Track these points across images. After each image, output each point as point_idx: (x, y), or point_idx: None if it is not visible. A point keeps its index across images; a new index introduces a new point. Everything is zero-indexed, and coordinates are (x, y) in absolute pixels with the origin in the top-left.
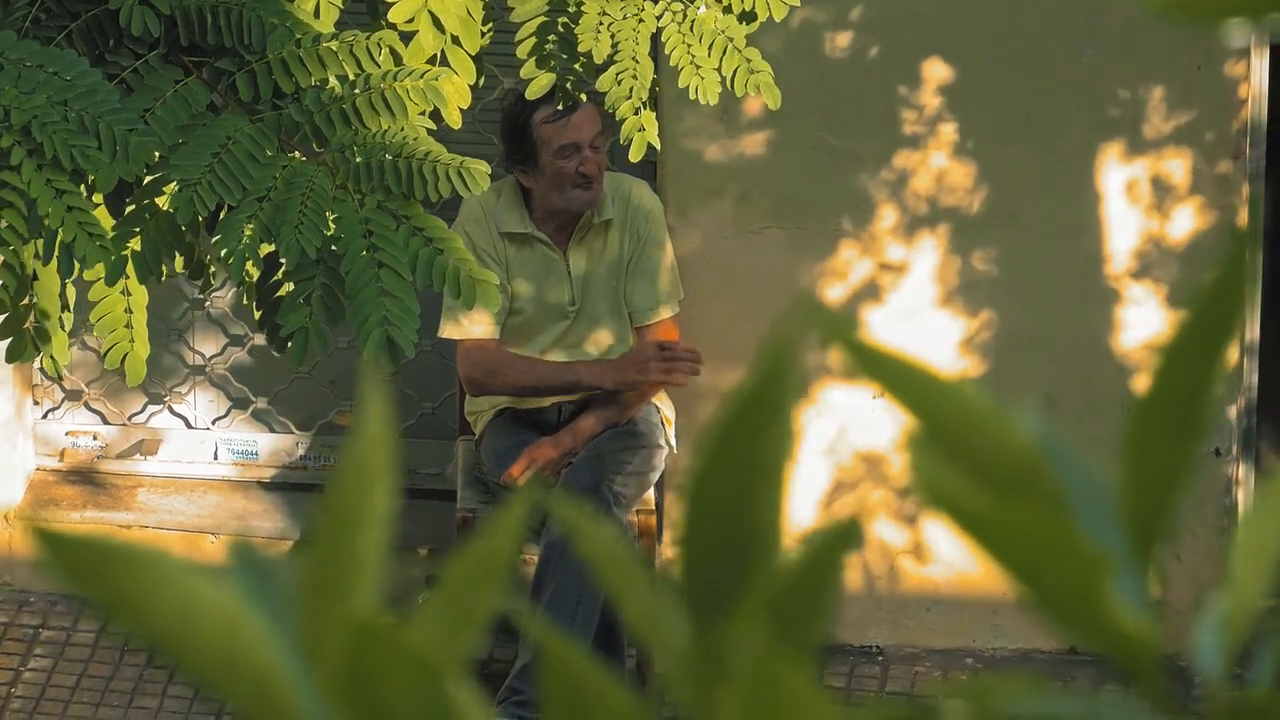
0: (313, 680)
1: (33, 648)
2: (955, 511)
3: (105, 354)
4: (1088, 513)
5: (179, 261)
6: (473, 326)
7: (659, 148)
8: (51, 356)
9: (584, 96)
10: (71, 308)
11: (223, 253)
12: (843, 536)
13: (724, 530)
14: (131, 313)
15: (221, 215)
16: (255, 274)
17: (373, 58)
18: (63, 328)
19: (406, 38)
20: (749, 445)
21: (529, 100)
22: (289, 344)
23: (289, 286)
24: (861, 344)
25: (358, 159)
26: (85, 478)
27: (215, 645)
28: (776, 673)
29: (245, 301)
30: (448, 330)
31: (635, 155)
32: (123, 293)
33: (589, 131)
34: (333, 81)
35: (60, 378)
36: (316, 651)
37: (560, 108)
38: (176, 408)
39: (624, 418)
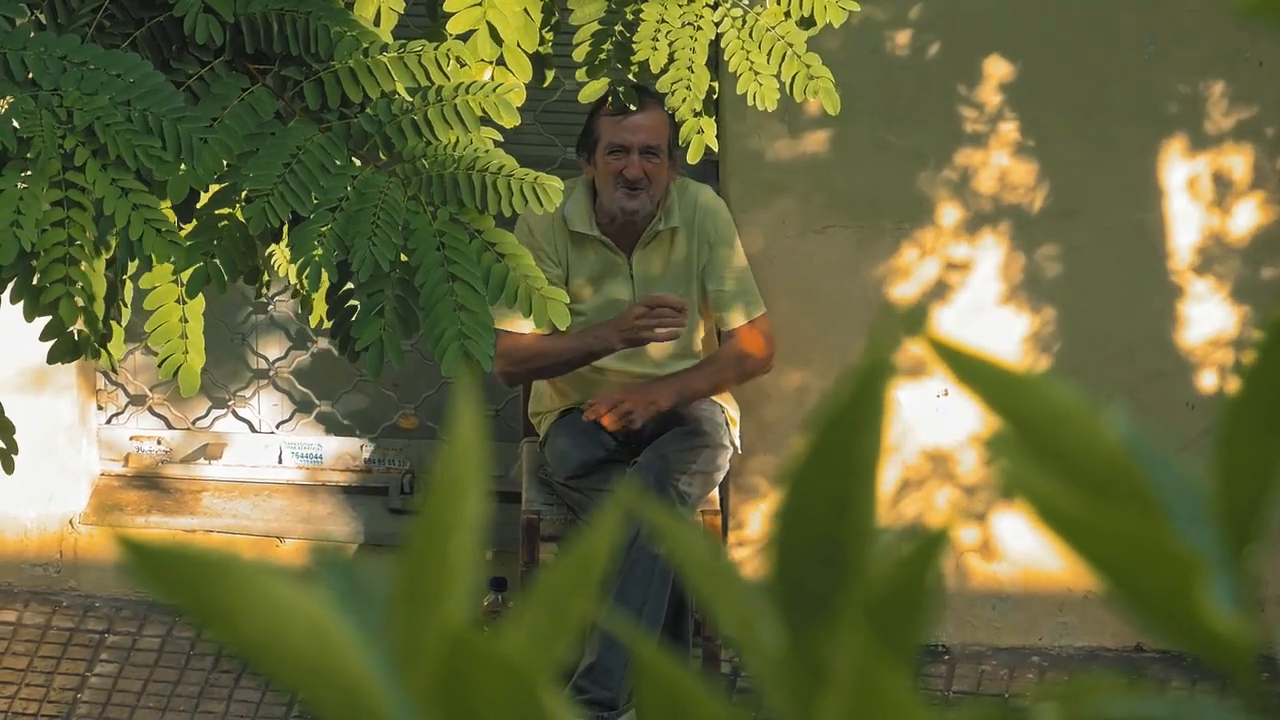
0: (404, 689)
1: (99, 652)
2: (1043, 512)
3: (160, 364)
4: (1180, 513)
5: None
6: (517, 322)
7: (716, 149)
8: (106, 351)
9: (633, 106)
10: (129, 304)
11: (297, 263)
12: (936, 542)
13: (817, 533)
14: (187, 321)
15: (285, 226)
16: (325, 285)
17: (441, 69)
18: (119, 323)
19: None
20: (846, 447)
21: (602, 101)
22: (363, 355)
23: (361, 298)
24: (946, 343)
25: (430, 171)
26: (149, 483)
27: (306, 654)
28: (879, 679)
29: (305, 312)
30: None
31: (693, 157)
32: (178, 301)
33: (642, 136)
34: (401, 92)
35: (114, 370)
36: (408, 660)
37: (632, 107)
38: (240, 412)
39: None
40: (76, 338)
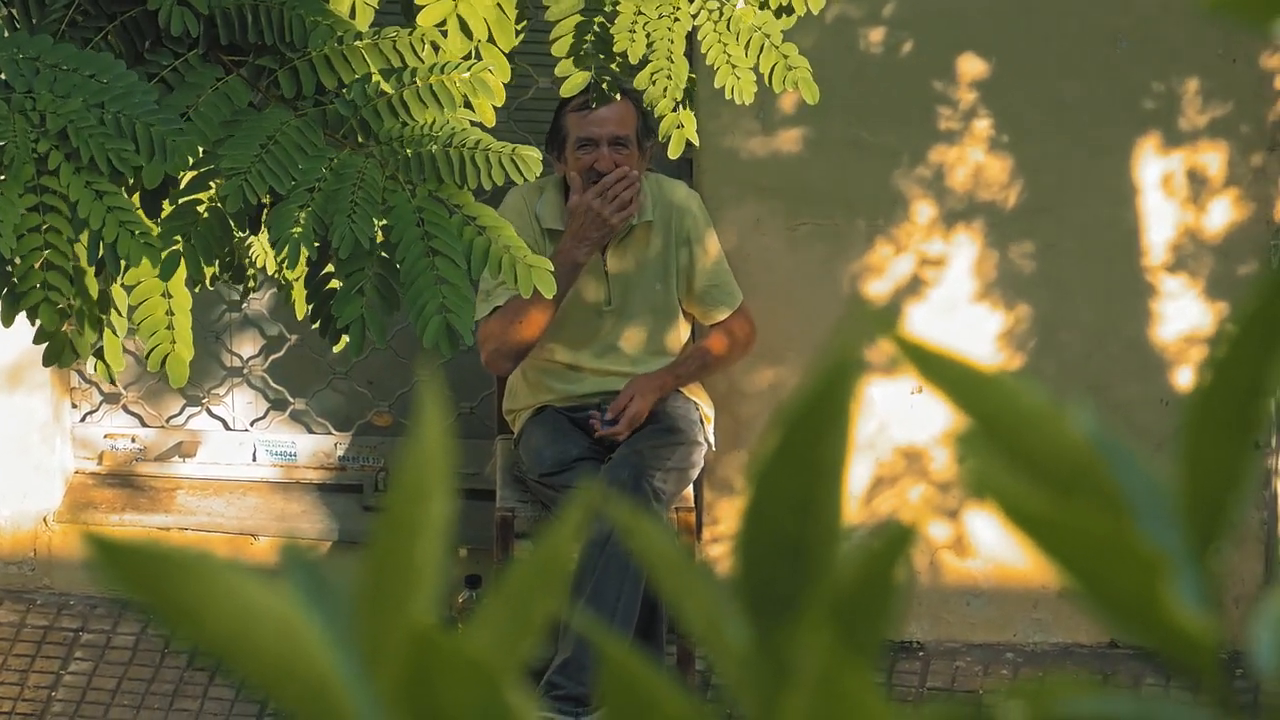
0: (370, 687)
1: (73, 651)
2: (1010, 511)
3: (147, 355)
4: (1145, 511)
5: (218, 266)
6: (491, 305)
7: (697, 144)
8: (105, 362)
9: (617, 96)
10: (125, 314)
11: (275, 242)
12: (902, 539)
13: (783, 532)
14: (173, 314)
15: (265, 212)
16: (304, 268)
17: (416, 53)
18: (115, 333)
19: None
20: (810, 446)
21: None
22: (344, 335)
23: (342, 277)
24: (914, 343)
25: (407, 151)
26: (124, 480)
27: (271, 652)
28: (842, 677)
29: (289, 301)
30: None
31: (674, 152)
32: (164, 295)
33: (610, 128)
34: (377, 76)
35: (112, 382)
36: (374, 658)
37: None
38: (215, 410)
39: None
40: (70, 339)
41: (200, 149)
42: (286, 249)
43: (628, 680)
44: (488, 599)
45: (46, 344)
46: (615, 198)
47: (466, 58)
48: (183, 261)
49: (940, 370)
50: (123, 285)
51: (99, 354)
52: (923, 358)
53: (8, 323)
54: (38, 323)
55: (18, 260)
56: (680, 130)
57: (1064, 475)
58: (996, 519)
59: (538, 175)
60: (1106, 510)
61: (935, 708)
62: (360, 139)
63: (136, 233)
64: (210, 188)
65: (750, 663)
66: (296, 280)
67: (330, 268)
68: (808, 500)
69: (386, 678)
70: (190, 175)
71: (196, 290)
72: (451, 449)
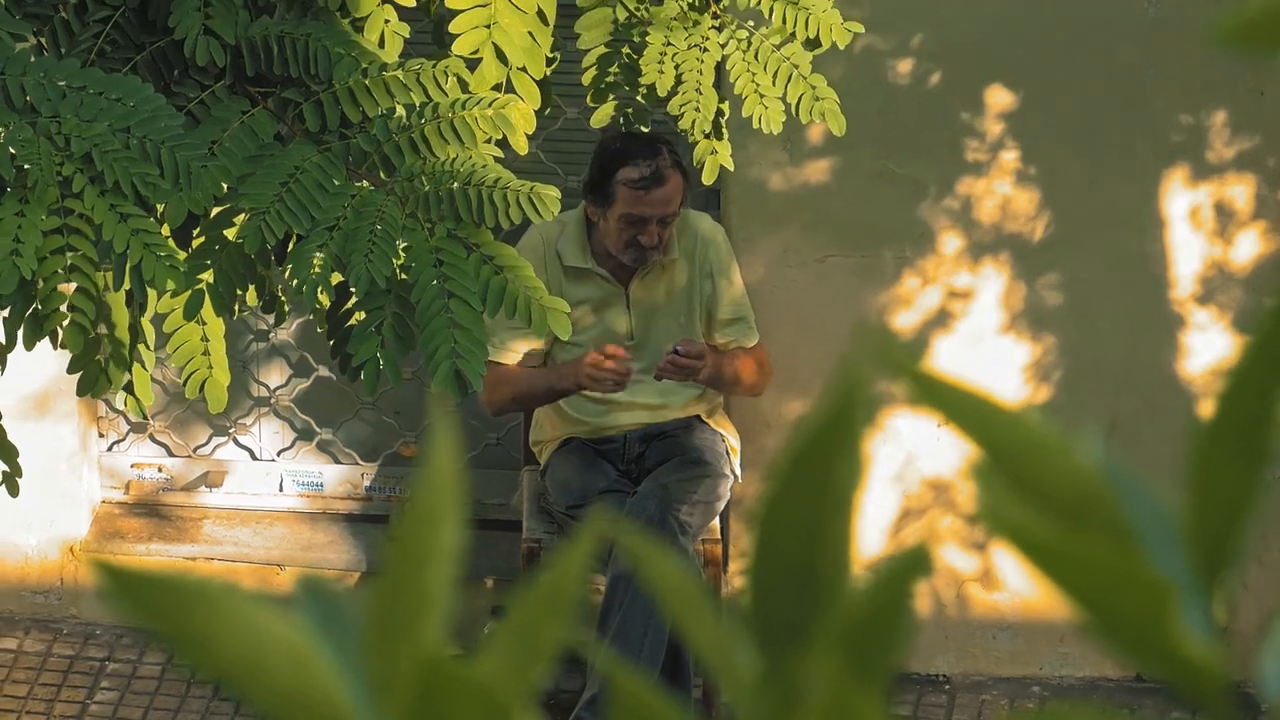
0: (380, 715)
1: (99, 680)
2: (1020, 541)
3: (185, 382)
4: (1153, 541)
5: (251, 294)
6: (507, 354)
7: (732, 170)
8: (135, 396)
9: (644, 129)
10: (152, 346)
11: (294, 282)
12: (913, 565)
13: (794, 560)
14: (208, 340)
15: (291, 245)
16: (327, 303)
17: (440, 86)
18: (144, 367)
19: (472, 65)
20: (819, 475)
21: (622, 150)
22: (361, 373)
23: (360, 315)
24: (923, 374)
25: (426, 187)
26: (150, 510)
27: (282, 680)
28: (852, 705)
29: (320, 329)
30: None
31: (708, 178)
32: (198, 321)
33: (662, 210)
34: (400, 110)
35: (145, 417)
36: (384, 686)
37: (648, 173)
38: (241, 439)
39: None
40: (104, 368)
41: (224, 185)
42: (306, 289)
43: (636, 710)
44: (497, 628)
45: (80, 373)
46: (608, 379)
47: (498, 87)
48: (207, 298)
49: (948, 401)
50: (154, 315)
51: (128, 389)
52: (932, 388)
53: (29, 346)
54: (69, 353)
55: (41, 283)
56: (714, 157)
57: (1073, 505)
58: (1008, 549)
59: (555, 214)
60: (1115, 540)
61: None
62: (383, 174)
63: (162, 255)
64: (233, 224)
65: (760, 690)
66: (323, 313)
67: (350, 303)
68: (817, 528)
69: (396, 706)
70: (216, 211)
71: (232, 316)
72: (463, 477)
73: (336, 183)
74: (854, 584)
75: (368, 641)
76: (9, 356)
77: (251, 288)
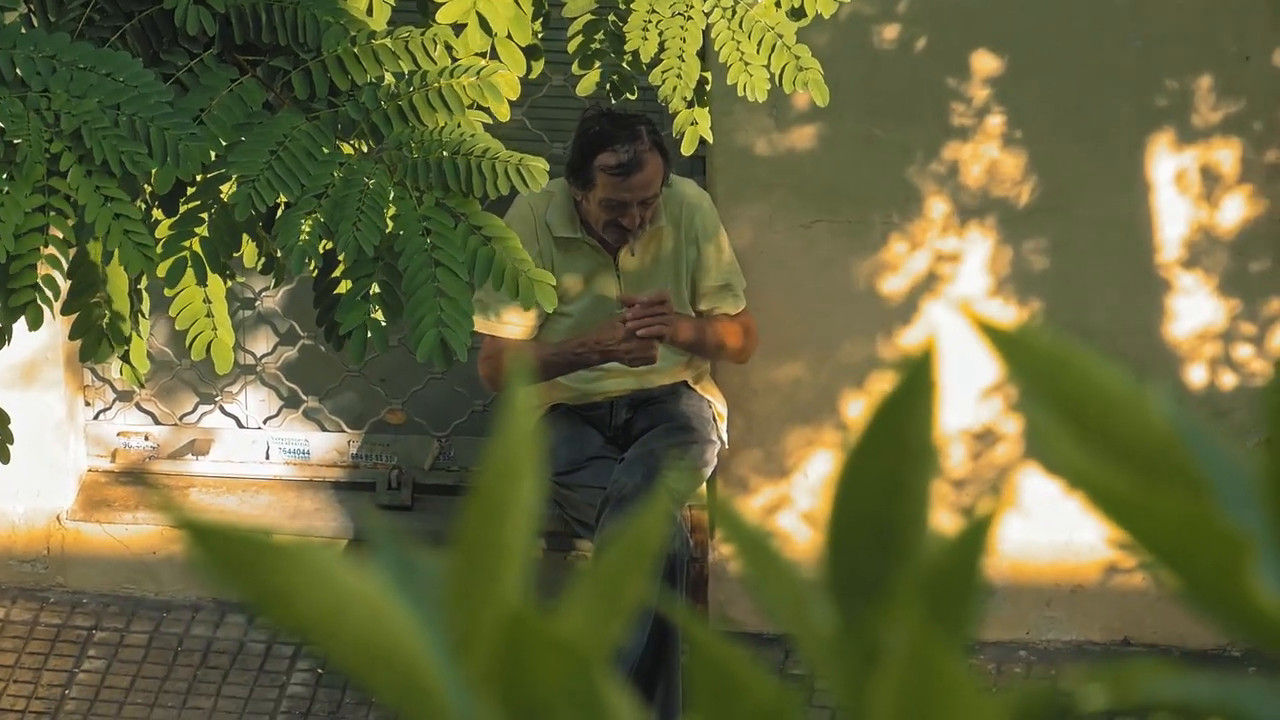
0: (462, 670)
1: (86, 649)
2: (1096, 494)
3: (190, 344)
4: (1228, 495)
5: (250, 253)
6: (505, 325)
7: (711, 141)
8: (130, 364)
9: (631, 95)
10: (148, 315)
11: (282, 250)
12: (983, 530)
13: (872, 516)
14: (210, 302)
15: (279, 212)
16: (314, 270)
17: (428, 53)
18: (139, 334)
19: (458, 32)
20: (899, 430)
21: (600, 134)
22: (347, 341)
23: (347, 284)
24: (993, 325)
25: (415, 155)
26: (137, 478)
27: (363, 637)
28: (933, 659)
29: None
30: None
31: (687, 149)
32: (199, 283)
33: (641, 194)
34: (389, 78)
35: (141, 385)
36: (465, 642)
37: (626, 159)
38: (228, 407)
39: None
40: (106, 333)
41: (212, 154)
42: (293, 256)
43: (713, 661)
44: (578, 583)
45: (81, 340)
46: (650, 334)
47: (483, 55)
48: (189, 268)
49: (1017, 350)
50: (147, 294)
51: (125, 358)
52: (1001, 338)
53: (4, 321)
54: (73, 318)
55: (18, 257)
56: (694, 127)
57: (1146, 458)
58: (1083, 504)
59: (544, 186)
60: (1190, 492)
61: (1022, 688)
62: (371, 143)
63: (138, 243)
64: (221, 191)
65: (836, 646)
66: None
67: (339, 271)
68: (895, 483)
69: (477, 660)
70: (203, 178)
71: (228, 279)
72: (539, 434)
73: (325, 150)
74: (931, 541)
75: (448, 598)
76: None
77: (251, 245)
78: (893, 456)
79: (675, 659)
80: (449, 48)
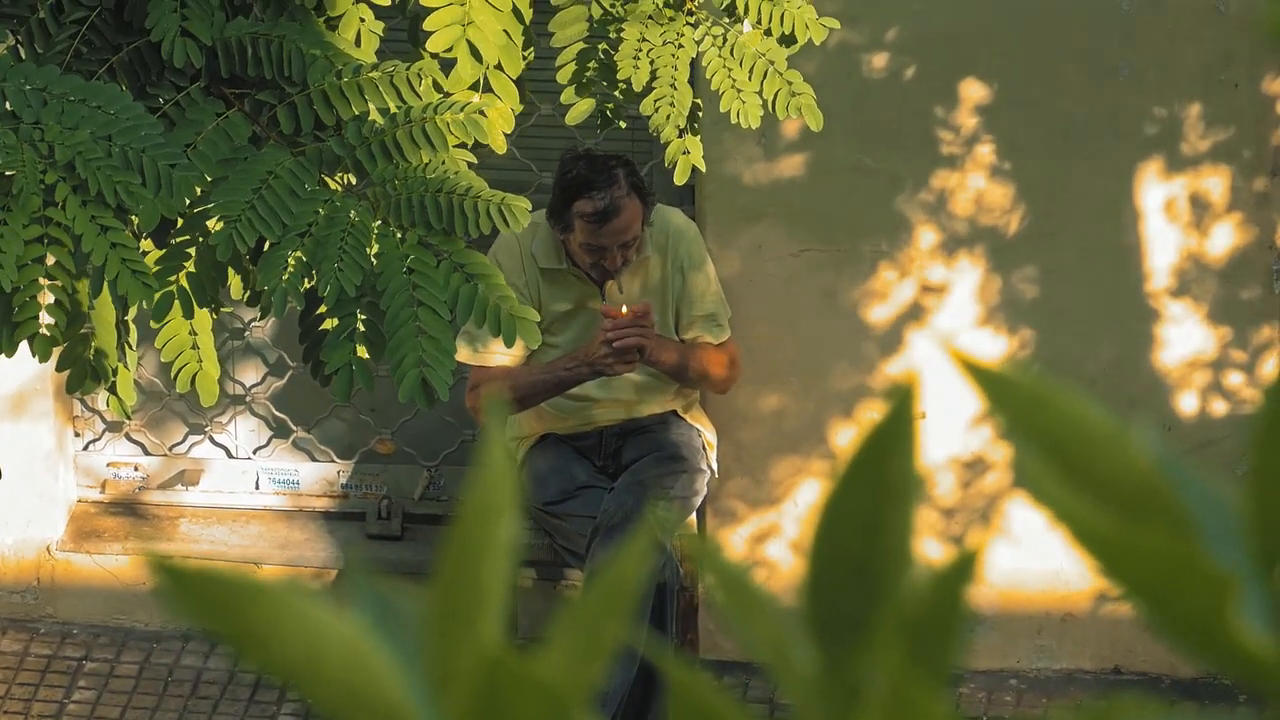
0: (440, 711)
1: (77, 680)
2: (1080, 532)
3: (175, 376)
4: (1212, 533)
5: (237, 286)
6: (492, 356)
7: (704, 170)
8: (117, 396)
9: (621, 125)
10: (135, 347)
11: (264, 289)
12: (968, 565)
13: (853, 556)
14: (196, 334)
15: (265, 247)
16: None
17: (414, 89)
18: (126, 366)
19: (448, 65)
20: (878, 469)
21: (577, 180)
22: (333, 379)
23: (332, 323)
24: (976, 363)
25: (398, 193)
26: (127, 509)
27: (342, 678)
28: (915, 699)
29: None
30: (460, 354)
31: (680, 179)
32: (185, 316)
33: (620, 238)
34: (374, 114)
35: (128, 417)
36: (444, 682)
37: (602, 206)
38: (217, 438)
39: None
40: (92, 365)
41: (198, 188)
42: (275, 296)
43: (697, 705)
44: (556, 624)
45: (69, 372)
46: (626, 345)
47: (475, 86)
48: (176, 303)
49: (1001, 389)
50: (137, 314)
51: (112, 389)
52: (983, 376)
53: (9, 353)
54: (58, 349)
55: (20, 289)
56: (686, 157)
57: (1131, 497)
58: (1069, 543)
59: (525, 225)
60: (1173, 530)
61: None
62: (353, 179)
63: (137, 271)
64: (204, 229)
65: (818, 685)
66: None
67: (323, 309)
68: (875, 522)
69: (456, 701)
70: (191, 213)
71: (215, 312)
72: (518, 474)
73: (309, 187)
74: (913, 581)
75: (426, 638)
76: None
77: (238, 279)
78: (873, 494)
79: (662, 698)
80: (438, 84)
